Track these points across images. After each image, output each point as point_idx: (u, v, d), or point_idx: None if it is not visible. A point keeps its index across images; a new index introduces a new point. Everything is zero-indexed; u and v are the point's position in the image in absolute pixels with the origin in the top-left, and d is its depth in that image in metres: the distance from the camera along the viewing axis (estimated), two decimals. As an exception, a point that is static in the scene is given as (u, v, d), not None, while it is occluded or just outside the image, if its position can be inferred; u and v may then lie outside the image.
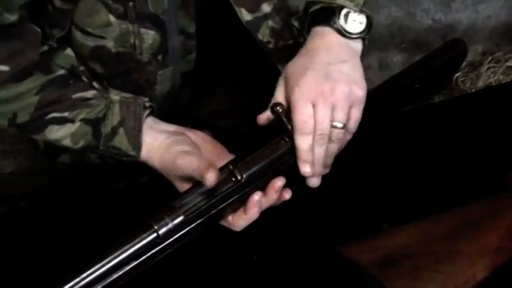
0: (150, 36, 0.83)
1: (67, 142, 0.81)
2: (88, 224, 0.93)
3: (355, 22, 0.78)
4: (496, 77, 2.04)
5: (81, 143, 0.81)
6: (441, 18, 2.01)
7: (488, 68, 2.06)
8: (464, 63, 2.05)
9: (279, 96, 0.77)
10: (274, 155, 0.73)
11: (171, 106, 0.94)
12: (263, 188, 0.73)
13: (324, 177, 0.77)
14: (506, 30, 2.12)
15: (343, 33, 0.77)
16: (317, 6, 0.80)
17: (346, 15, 0.77)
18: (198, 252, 0.86)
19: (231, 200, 0.71)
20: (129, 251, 0.66)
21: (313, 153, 0.73)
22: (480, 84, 2.02)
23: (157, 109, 0.86)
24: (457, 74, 2.03)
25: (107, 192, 1.09)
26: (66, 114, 0.80)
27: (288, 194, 0.75)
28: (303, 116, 0.72)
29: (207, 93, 0.96)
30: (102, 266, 0.65)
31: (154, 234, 0.66)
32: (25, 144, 1.72)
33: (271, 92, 0.77)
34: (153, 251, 0.67)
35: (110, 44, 0.84)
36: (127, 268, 0.66)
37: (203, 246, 0.86)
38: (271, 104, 0.75)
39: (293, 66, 0.76)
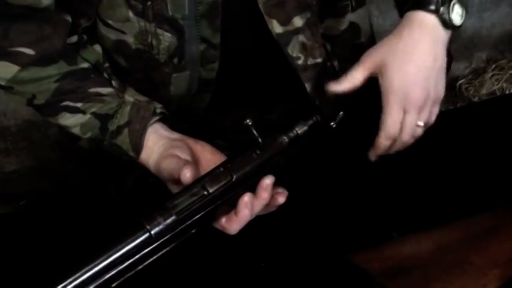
0: (166, 38, 0.83)
1: (76, 131, 0.83)
2: (90, 224, 0.92)
3: (457, 15, 0.79)
4: (499, 85, 2.04)
5: (88, 134, 0.83)
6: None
7: (492, 76, 2.06)
8: (468, 71, 2.06)
9: (357, 77, 0.80)
10: (264, 156, 0.74)
11: (189, 108, 0.94)
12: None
13: (334, 186, 0.77)
14: (510, 38, 2.12)
15: (446, 22, 0.78)
16: None
17: (453, 6, 0.78)
18: (206, 259, 0.85)
19: (222, 201, 0.71)
20: (122, 250, 0.65)
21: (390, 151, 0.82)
22: (484, 91, 2.02)
23: (175, 108, 0.87)
24: (461, 81, 2.03)
25: (109, 192, 1.09)
26: (79, 105, 0.81)
27: (282, 198, 0.74)
28: (394, 122, 0.79)
29: (228, 105, 0.95)
30: (95, 266, 0.64)
31: (147, 234, 0.66)
32: (27, 143, 1.71)
33: (294, 111, 0.79)
34: (146, 250, 0.66)
35: (130, 39, 0.84)
36: (120, 268, 0.65)
37: (211, 253, 0.86)
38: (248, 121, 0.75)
39: (392, 55, 0.78)
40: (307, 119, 0.77)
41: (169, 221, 0.67)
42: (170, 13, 0.80)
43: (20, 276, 0.86)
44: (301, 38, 0.88)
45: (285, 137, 0.76)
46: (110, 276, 0.65)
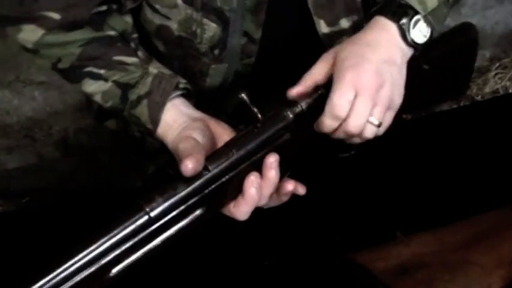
0: (211, 28, 0.84)
1: (98, 98, 0.83)
2: (93, 222, 0.92)
3: (420, 33, 0.78)
4: (503, 83, 2.04)
5: (109, 103, 0.83)
6: (450, 24, 1.99)
7: (496, 74, 2.05)
8: (471, 69, 2.05)
9: (318, 72, 0.77)
10: (267, 131, 0.72)
11: (221, 103, 0.94)
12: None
13: (338, 185, 0.76)
14: (514, 37, 2.11)
15: (406, 38, 0.77)
16: None
17: (416, 23, 0.78)
18: (210, 257, 0.85)
19: (224, 179, 0.69)
20: (121, 233, 0.63)
21: (332, 134, 0.74)
22: (487, 90, 2.02)
23: (208, 102, 0.86)
24: (464, 80, 2.02)
25: (129, 179, 1.09)
26: (102, 71, 0.82)
27: (302, 189, 0.74)
28: (341, 100, 0.72)
29: (261, 102, 0.95)
30: (94, 249, 0.63)
31: (146, 217, 0.64)
32: (29, 140, 1.71)
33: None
34: (146, 232, 0.65)
35: (173, 26, 0.85)
36: (120, 251, 0.64)
37: (215, 251, 0.85)
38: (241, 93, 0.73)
39: (348, 52, 0.76)
40: (312, 92, 0.76)
41: (168, 201, 0.65)
42: (219, 4, 0.82)
43: (22, 273, 0.86)
44: (345, 39, 0.87)
45: (288, 112, 0.74)
46: (109, 260, 0.63)
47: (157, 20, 0.86)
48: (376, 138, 0.78)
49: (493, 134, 1.05)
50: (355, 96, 0.72)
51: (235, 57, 0.88)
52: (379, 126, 0.74)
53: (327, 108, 0.73)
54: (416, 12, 0.78)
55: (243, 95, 0.71)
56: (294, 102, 0.75)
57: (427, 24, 0.79)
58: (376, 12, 0.81)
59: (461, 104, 1.85)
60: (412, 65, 0.80)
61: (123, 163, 1.13)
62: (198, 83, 0.89)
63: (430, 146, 1.03)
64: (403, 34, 0.77)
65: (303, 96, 0.76)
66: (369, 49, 0.76)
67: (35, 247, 0.90)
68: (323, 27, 0.87)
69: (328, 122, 0.73)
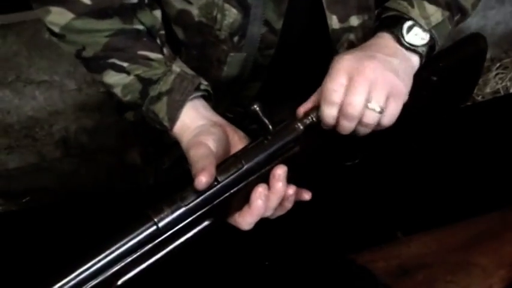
0: (232, 14, 0.83)
1: (117, 91, 0.83)
2: (95, 222, 0.92)
3: (417, 36, 0.79)
4: (503, 83, 2.04)
5: (128, 97, 0.82)
6: (450, 23, 2.00)
7: (496, 75, 2.06)
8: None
9: (318, 94, 0.76)
10: (277, 144, 0.71)
11: (237, 95, 0.93)
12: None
13: (339, 185, 0.75)
14: (515, 37, 2.12)
15: (400, 40, 0.78)
16: (390, 13, 0.81)
17: (410, 28, 0.79)
18: (210, 257, 0.85)
19: (233, 191, 0.69)
20: (128, 243, 0.64)
21: (338, 127, 0.73)
22: (488, 90, 2.02)
23: (224, 93, 0.86)
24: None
25: (146, 172, 1.09)
26: (125, 64, 0.81)
27: (307, 195, 0.74)
28: (333, 84, 0.72)
29: (277, 98, 0.93)
30: (100, 259, 0.63)
31: (154, 227, 0.65)
32: (30, 140, 1.71)
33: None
34: (154, 243, 0.65)
35: (194, 11, 0.85)
36: (126, 261, 0.64)
37: (216, 251, 0.85)
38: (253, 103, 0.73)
39: (345, 53, 0.75)
40: None
41: (177, 212, 0.65)
42: None
43: (23, 273, 0.86)
44: (352, 36, 0.88)
45: (299, 124, 0.73)
46: (117, 270, 0.64)
47: (178, 4, 0.85)
48: (382, 139, 0.78)
49: (493, 135, 1.05)
50: (350, 80, 0.71)
51: (255, 46, 0.87)
52: (380, 112, 0.72)
53: (322, 94, 0.73)
54: (409, 19, 0.79)
55: (255, 106, 0.71)
56: (305, 114, 0.75)
57: (423, 30, 0.79)
58: (375, 29, 0.82)
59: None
60: (421, 77, 0.80)
61: (140, 156, 1.13)
62: (215, 73, 0.89)
63: (431, 147, 1.03)
64: (399, 40, 0.78)
65: (314, 108, 0.75)
66: (366, 49, 0.76)
67: (35, 247, 0.90)
68: (335, 23, 0.86)
69: (326, 110, 0.72)
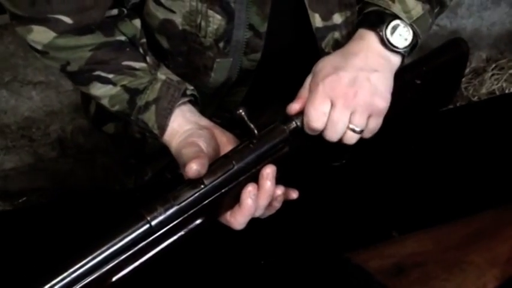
0: (216, 20, 0.83)
1: (105, 102, 0.84)
2: (91, 222, 0.92)
3: (401, 37, 0.79)
4: (499, 84, 2.04)
5: (116, 107, 0.83)
6: (446, 25, 2.01)
7: (492, 75, 2.06)
8: (467, 70, 2.05)
9: (305, 90, 0.77)
10: (268, 144, 0.73)
11: (224, 99, 0.94)
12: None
13: (334, 184, 0.76)
14: (510, 38, 2.12)
15: (385, 43, 0.78)
16: (371, 8, 0.82)
17: (395, 28, 0.79)
18: (205, 257, 0.85)
19: (224, 190, 0.70)
20: (122, 241, 0.65)
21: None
22: (483, 91, 2.02)
23: (211, 99, 0.86)
24: (461, 81, 2.03)
25: (127, 182, 1.09)
26: (110, 76, 0.82)
27: (295, 194, 0.75)
28: (317, 112, 0.74)
29: (264, 102, 0.94)
30: (94, 257, 0.63)
31: (147, 226, 0.66)
32: (27, 141, 1.71)
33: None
34: (147, 241, 0.66)
35: (178, 19, 0.85)
36: (121, 259, 0.65)
37: (210, 250, 0.86)
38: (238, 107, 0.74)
39: (325, 62, 0.77)
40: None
41: (170, 211, 0.67)
42: None
43: (19, 273, 0.86)
44: (337, 35, 0.89)
45: (284, 126, 0.75)
46: (110, 268, 0.64)
47: (161, 14, 0.85)
48: (372, 140, 0.79)
49: (489, 135, 1.05)
50: (332, 106, 0.73)
51: (240, 51, 0.87)
52: (361, 132, 0.75)
53: (304, 122, 0.75)
54: (395, 18, 0.79)
55: (240, 110, 0.73)
56: (289, 118, 0.76)
57: (408, 29, 0.80)
58: (357, 25, 0.83)
59: (458, 104, 1.86)
60: (405, 80, 0.82)
61: (120, 166, 1.13)
62: (202, 79, 0.89)
63: (426, 146, 1.03)
64: (382, 40, 0.78)
65: (299, 114, 0.77)
66: (344, 59, 0.77)
67: (32, 247, 0.90)
68: (317, 22, 0.87)
69: (309, 131, 0.75)
